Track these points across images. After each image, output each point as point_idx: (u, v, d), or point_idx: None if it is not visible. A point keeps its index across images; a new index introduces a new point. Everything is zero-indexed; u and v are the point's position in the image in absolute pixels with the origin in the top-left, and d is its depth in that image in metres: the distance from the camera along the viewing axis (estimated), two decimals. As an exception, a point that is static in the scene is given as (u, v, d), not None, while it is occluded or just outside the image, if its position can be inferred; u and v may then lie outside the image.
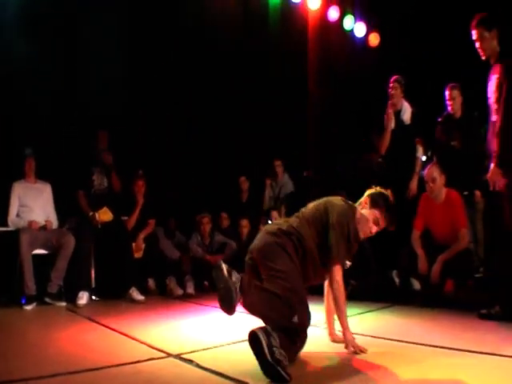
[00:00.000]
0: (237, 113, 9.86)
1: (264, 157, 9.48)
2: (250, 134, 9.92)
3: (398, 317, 5.29)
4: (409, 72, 8.06)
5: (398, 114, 7.10)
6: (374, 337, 4.21)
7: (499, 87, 4.73)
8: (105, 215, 7.04)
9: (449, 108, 6.84)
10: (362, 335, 4.26)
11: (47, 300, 6.36)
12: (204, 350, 3.93)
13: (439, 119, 6.98)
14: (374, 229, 3.97)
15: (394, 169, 7.02)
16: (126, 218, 7.44)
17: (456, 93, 6.78)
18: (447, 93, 6.81)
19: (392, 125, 7.08)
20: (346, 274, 6.56)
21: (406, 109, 7.08)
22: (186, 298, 7.00)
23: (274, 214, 8.00)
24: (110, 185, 7.41)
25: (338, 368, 3.38)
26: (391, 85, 7.09)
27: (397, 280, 6.59)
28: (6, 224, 6.69)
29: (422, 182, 6.27)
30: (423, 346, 3.84)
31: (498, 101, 4.75)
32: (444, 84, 6.92)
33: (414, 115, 7.08)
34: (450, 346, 3.77)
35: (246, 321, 5.12)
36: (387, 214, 3.94)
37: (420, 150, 7.10)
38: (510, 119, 4.63)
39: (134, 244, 7.17)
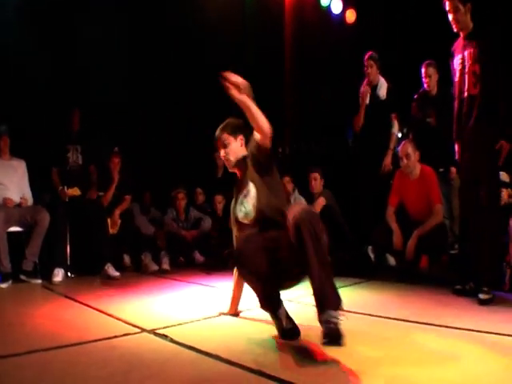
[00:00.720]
0: (212, 91, 9.84)
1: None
2: (226, 111, 9.88)
3: (373, 292, 5.33)
4: (385, 49, 8.09)
5: (373, 89, 7.14)
6: (349, 311, 4.23)
7: (479, 61, 4.73)
8: (74, 191, 7.05)
9: (425, 85, 6.87)
10: (336, 310, 4.31)
11: (22, 277, 6.31)
12: (178, 325, 3.96)
13: (415, 96, 7.00)
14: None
15: (368, 145, 7.07)
16: (101, 193, 7.40)
17: (432, 70, 6.80)
18: (423, 70, 6.82)
19: (367, 100, 7.11)
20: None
21: (382, 84, 7.13)
22: (161, 273, 7.01)
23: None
24: (84, 163, 7.39)
25: (310, 343, 3.40)
26: (366, 63, 7.12)
27: (372, 256, 6.67)
28: (-21, 201, 6.60)
29: (397, 159, 6.31)
30: (397, 321, 3.90)
31: (478, 74, 4.76)
32: (420, 60, 6.94)
33: (389, 90, 7.12)
34: (423, 321, 3.82)
35: (218, 297, 5.19)
36: None
37: (395, 125, 7.15)
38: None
39: (109, 220, 7.15)
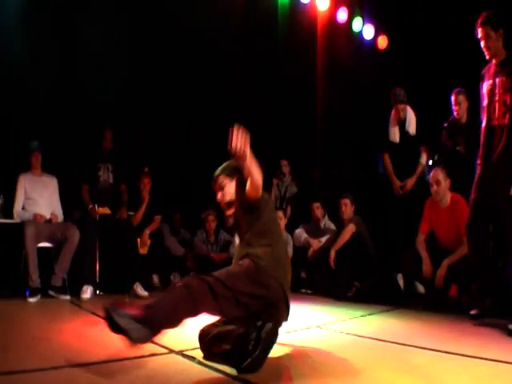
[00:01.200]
0: (245, 112, 9.88)
1: (271, 156, 9.50)
2: (257, 133, 9.91)
3: (401, 320, 5.25)
4: (416, 75, 8.05)
5: (402, 125, 7.12)
6: (376, 339, 4.20)
7: (511, 90, 4.67)
8: (105, 210, 7.11)
9: (454, 113, 6.82)
10: (364, 337, 4.27)
11: (51, 293, 6.38)
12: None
13: (445, 124, 6.96)
14: None
15: (399, 173, 7.06)
16: (131, 213, 7.44)
17: (462, 98, 6.75)
18: (453, 98, 6.78)
19: (397, 138, 7.11)
20: (350, 276, 6.63)
21: (411, 119, 7.10)
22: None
23: (279, 213, 7.98)
24: (115, 182, 7.46)
25: (337, 368, 3.37)
26: (399, 107, 7.12)
27: (401, 283, 6.60)
28: (11, 216, 6.69)
29: (427, 187, 6.25)
30: (425, 350, 3.83)
31: (508, 104, 4.69)
32: (451, 88, 6.90)
33: (418, 124, 7.11)
34: (451, 351, 3.75)
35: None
36: None
37: (424, 156, 7.13)
38: None
39: (139, 240, 7.18)
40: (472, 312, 4.92)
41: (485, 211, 4.81)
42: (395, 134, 7.17)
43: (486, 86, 4.92)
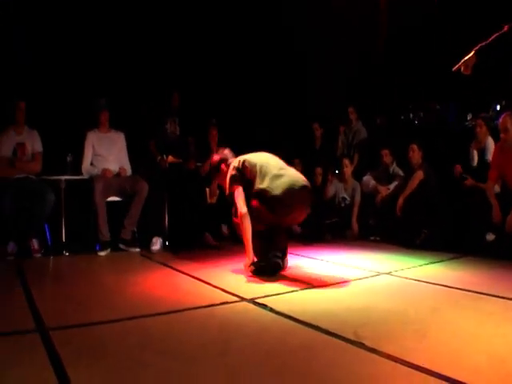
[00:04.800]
0: (311, 59, 9.84)
1: (338, 103, 9.41)
2: (324, 81, 9.85)
3: (471, 268, 5.13)
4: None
5: (482, 151, 6.88)
6: (447, 286, 4.15)
7: None
8: (174, 159, 7.18)
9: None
10: (435, 284, 4.23)
11: (121, 246, 6.48)
12: (277, 294, 3.95)
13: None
14: None
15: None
16: (199, 164, 7.45)
17: None
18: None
19: (475, 163, 6.90)
20: (418, 224, 6.54)
21: (490, 145, 6.81)
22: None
23: (346, 161, 7.90)
24: (182, 134, 7.53)
25: (410, 316, 3.35)
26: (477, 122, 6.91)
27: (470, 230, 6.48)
28: (80, 173, 6.80)
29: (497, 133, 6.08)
30: (497, 298, 3.77)
31: None
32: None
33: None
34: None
35: (317, 268, 5.18)
36: None
37: None
38: None
39: (208, 190, 7.19)
40: None
41: None
42: None
43: None
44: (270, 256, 4.70)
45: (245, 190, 4.84)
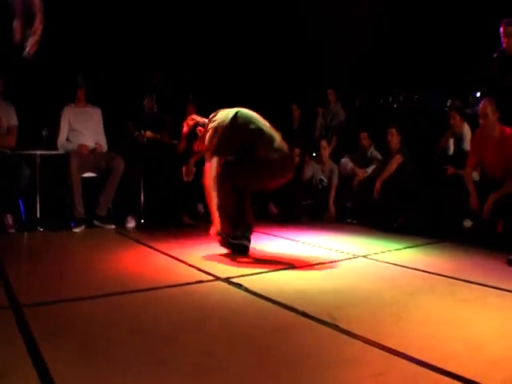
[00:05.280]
0: (290, 39, 9.78)
1: (316, 85, 9.37)
2: (303, 61, 9.80)
3: (448, 253, 5.13)
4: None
5: (458, 140, 6.85)
6: (423, 271, 4.16)
7: None
8: (152, 134, 7.13)
9: (503, 45, 6.56)
10: (411, 268, 4.24)
11: (96, 223, 6.44)
12: (253, 274, 3.95)
13: (494, 55, 6.71)
14: None
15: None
16: (176, 142, 7.39)
17: (510, 29, 6.47)
18: (501, 29, 6.49)
19: (451, 151, 6.89)
20: (395, 208, 6.56)
21: (467, 134, 6.78)
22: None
23: (324, 143, 7.88)
24: (160, 110, 7.46)
25: (385, 298, 3.35)
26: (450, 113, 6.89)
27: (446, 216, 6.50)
28: (56, 148, 6.72)
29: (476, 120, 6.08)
30: (472, 284, 3.77)
31: None
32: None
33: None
34: (498, 287, 3.68)
35: (296, 249, 5.17)
36: None
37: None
38: None
39: (184, 168, 7.11)
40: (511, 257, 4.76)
41: None
42: None
43: None
44: (240, 235, 4.67)
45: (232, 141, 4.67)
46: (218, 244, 4.71)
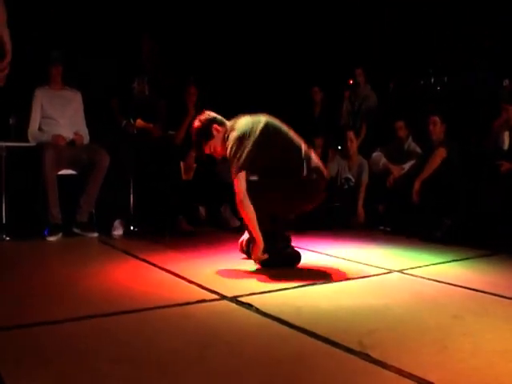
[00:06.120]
0: (312, 15, 9.80)
1: (342, 64, 9.37)
2: (327, 38, 9.81)
3: (503, 268, 5.13)
4: None
5: None
6: (471, 289, 4.16)
7: None
8: (144, 123, 7.11)
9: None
10: (456, 286, 4.25)
11: (76, 230, 6.45)
12: (265, 292, 3.97)
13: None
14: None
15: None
16: (173, 132, 7.40)
17: None
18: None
19: (506, 146, 6.93)
20: (438, 212, 6.55)
21: None
22: (243, 230, 6.97)
23: (351, 134, 7.87)
24: (152, 94, 7.43)
25: (427, 322, 3.36)
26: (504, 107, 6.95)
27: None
28: (26, 139, 6.70)
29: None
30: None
31: None
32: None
33: None
34: None
35: (318, 261, 5.19)
36: None
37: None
38: None
39: (182, 164, 7.12)
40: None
41: None
42: None
43: None
44: (283, 246, 4.92)
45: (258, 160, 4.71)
46: (257, 265, 4.85)
